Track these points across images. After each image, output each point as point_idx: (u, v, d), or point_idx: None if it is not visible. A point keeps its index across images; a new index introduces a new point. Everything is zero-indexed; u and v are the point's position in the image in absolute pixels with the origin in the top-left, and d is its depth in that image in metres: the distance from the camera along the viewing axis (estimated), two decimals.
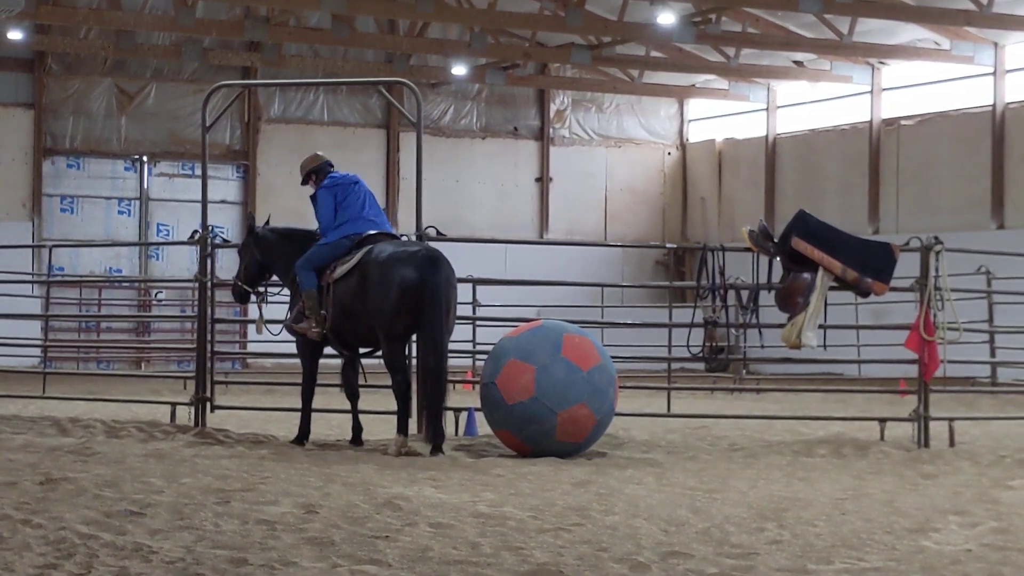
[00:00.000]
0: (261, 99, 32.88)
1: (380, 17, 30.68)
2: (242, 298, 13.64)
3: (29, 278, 26.64)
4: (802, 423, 15.84)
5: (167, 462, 11.05)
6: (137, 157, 32.00)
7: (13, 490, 9.25)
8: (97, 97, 31.72)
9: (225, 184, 32.25)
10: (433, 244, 13.57)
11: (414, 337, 12.50)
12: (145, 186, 32.06)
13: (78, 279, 28.88)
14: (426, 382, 12.08)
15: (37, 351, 24.12)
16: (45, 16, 27.80)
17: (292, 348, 13.26)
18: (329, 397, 14.55)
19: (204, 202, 14.53)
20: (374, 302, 12.14)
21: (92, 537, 7.48)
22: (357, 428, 12.88)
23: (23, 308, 23.32)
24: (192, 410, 14.03)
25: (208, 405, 13.98)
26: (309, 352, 12.90)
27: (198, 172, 26.33)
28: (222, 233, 28.12)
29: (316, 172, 13.00)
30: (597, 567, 6.98)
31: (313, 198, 12.88)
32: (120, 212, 31.77)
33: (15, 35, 28.47)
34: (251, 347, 25.88)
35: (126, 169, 32.02)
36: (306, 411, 12.91)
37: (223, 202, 31.85)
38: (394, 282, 12.00)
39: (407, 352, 12.61)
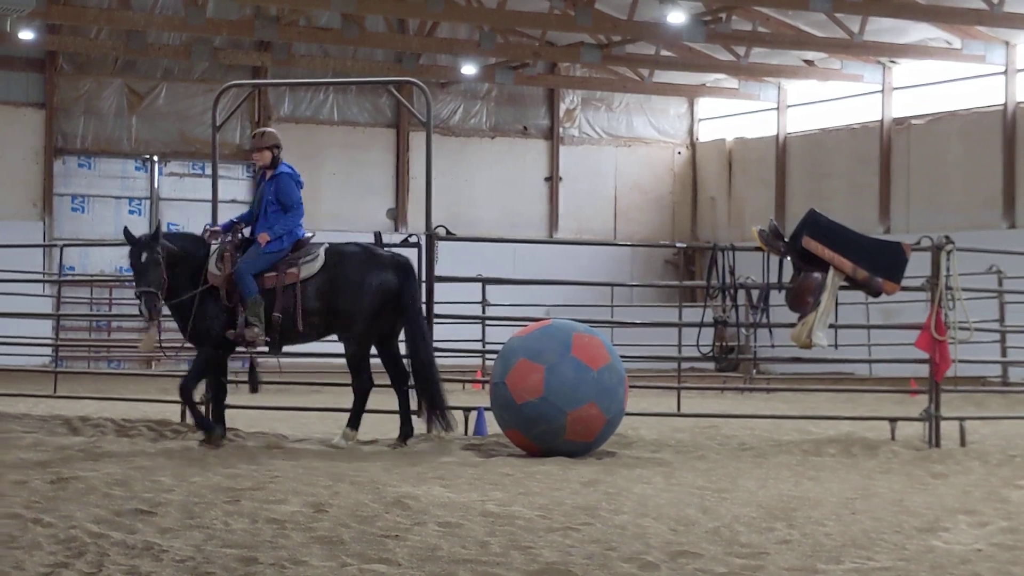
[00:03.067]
0: (271, 99, 32.93)
1: (390, 16, 30.70)
2: (156, 314, 12.45)
3: (40, 277, 26.70)
4: (812, 423, 15.81)
5: (177, 461, 11.07)
6: (147, 157, 32.07)
7: (23, 489, 9.27)
8: (108, 97, 31.79)
9: (235, 184, 32.29)
10: (444, 243, 13.64)
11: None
12: (155, 185, 32.13)
13: (89, 278, 28.92)
14: (423, 377, 12.50)
15: (48, 350, 24.15)
16: (56, 16, 27.87)
17: (305, 347, 13.24)
18: (337, 395, 14.55)
19: (215, 201, 14.55)
20: (350, 303, 12.40)
21: (102, 536, 7.49)
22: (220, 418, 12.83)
23: (34, 307, 23.37)
24: (203, 409, 14.02)
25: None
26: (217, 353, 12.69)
27: (208, 171, 26.43)
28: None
29: (280, 149, 12.80)
30: (606, 566, 6.97)
31: (275, 178, 12.57)
32: (131, 211, 31.84)
33: (26, 35, 28.53)
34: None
35: (136, 169, 32.09)
36: (192, 403, 12.65)
37: (233, 201, 31.83)
38: (373, 286, 12.42)
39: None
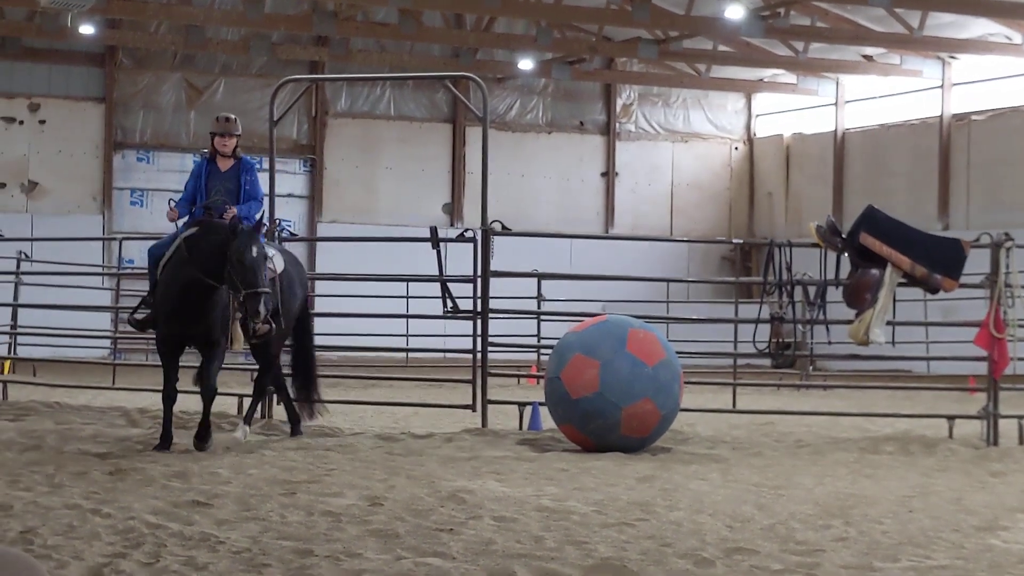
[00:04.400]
0: (328, 93, 33.06)
1: (447, 12, 30.75)
2: None
3: (99, 270, 26.95)
4: (869, 420, 15.71)
5: (234, 453, 11.14)
6: (205, 151, 32.23)
7: (83, 480, 9.36)
8: (167, 91, 32.04)
9: (292, 178, 32.46)
10: (500, 238, 13.66)
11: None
12: None
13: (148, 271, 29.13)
14: (307, 370, 12.97)
15: (107, 342, 24.37)
16: (116, 11, 28.11)
17: (357, 340, 13.33)
18: (396, 390, 14.59)
19: (272, 196, 14.66)
20: (297, 299, 12.63)
21: (160, 527, 7.55)
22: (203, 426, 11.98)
23: (93, 300, 23.59)
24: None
25: (275, 397, 14.08)
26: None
27: (265, 166, 26.50)
28: (289, 227, 28.29)
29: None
30: (661, 562, 6.96)
31: (249, 171, 12.41)
32: None
33: (87, 30, 28.80)
34: (317, 340, 26.02)
35: (195, 163, 32.31)
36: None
37: (290, 196, 32.07)
38: (305, 282, 13.00)
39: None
